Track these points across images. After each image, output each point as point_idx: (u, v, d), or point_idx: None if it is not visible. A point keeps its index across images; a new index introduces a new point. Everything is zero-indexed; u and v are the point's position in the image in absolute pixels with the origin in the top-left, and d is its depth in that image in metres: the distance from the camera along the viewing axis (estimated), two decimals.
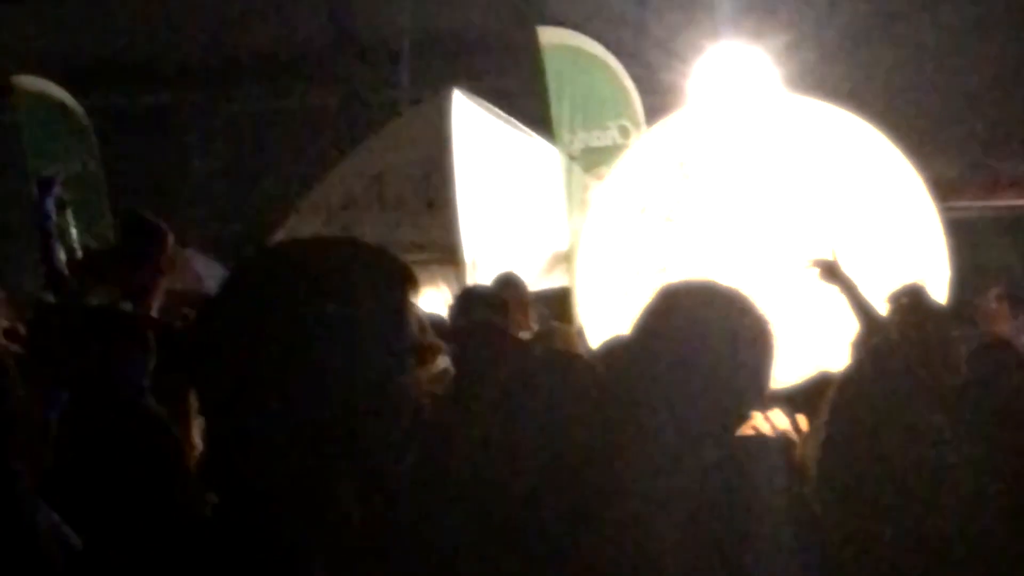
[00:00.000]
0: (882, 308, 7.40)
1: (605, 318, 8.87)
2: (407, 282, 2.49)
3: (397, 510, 3.14)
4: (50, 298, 7.91)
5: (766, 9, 18.02)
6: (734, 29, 14.79)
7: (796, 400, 7.34)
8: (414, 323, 2.52)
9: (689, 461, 3.37)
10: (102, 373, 6.56)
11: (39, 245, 7.99)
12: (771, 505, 3.62)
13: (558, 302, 10.40)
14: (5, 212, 17.28)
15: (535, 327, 9.10)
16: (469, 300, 8.07)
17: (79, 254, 8.78)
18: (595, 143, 10.71)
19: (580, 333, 9.06)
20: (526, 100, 12.86)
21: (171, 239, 7.88)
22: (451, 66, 17.83)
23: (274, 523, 2.40)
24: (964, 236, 10.09)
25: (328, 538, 2.44)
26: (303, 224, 12.15)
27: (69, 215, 9.01)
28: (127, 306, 7.29)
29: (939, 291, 8.49)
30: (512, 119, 12.43)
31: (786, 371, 6.45)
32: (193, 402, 5.99)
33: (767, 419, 7.15)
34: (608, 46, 11.21)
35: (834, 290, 7.88)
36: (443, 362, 7.14)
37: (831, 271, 7.90)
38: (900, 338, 6.86)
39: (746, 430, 4.01)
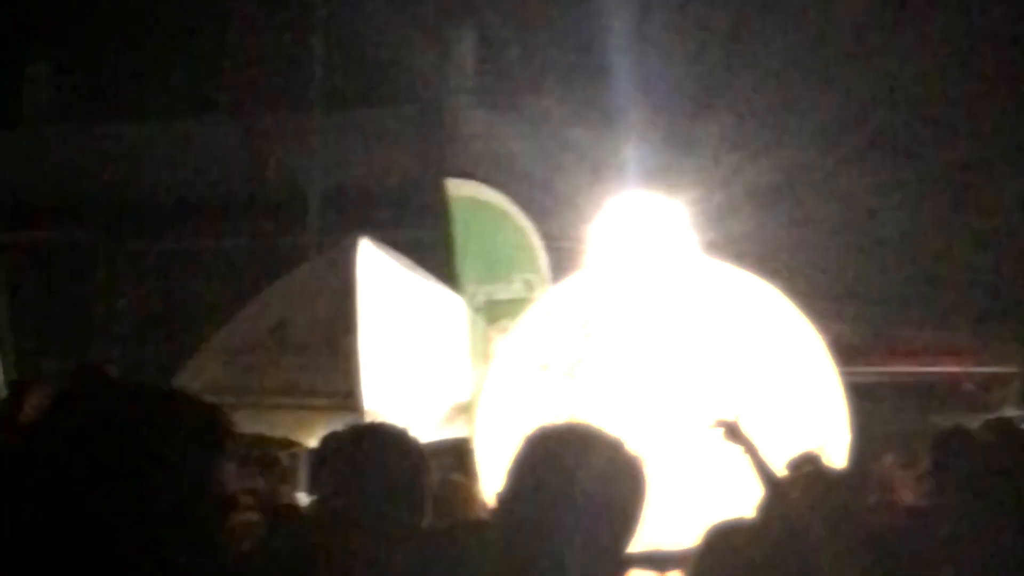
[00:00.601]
0: (782, 473, 7.39)
1: (504, 471, 8.77)
2: (218, 435, 2.58)
3: None
4: None
5: (674, 168, 18.23)
6: (641, 185, 14.92)
7: (695, 562, 7.27)
8: (223, 474, 2.58)
9: None
10: None
11: None
12: None
13: (458, 453, 10.32)
14: None
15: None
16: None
17: None
18: (499, 296, 10.73)
19: (478, 485, 8.99)
20: (432, 251, 12.88)
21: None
22: (358, 215, 17.87)
23: None
24: (864, 401, 10.14)
25: None
26: (207, 365, 12.06)
27: None
28: None
29: (839, 455, 8.51)
30: (418, 269, 12.43)
31: (684, 532, 6.38)
32: None
33: None
34: (515, 199, 11.28)
35: (736, 451, 7.86)
36: (252, 515, 7.06)
37: (733, 432, 7.89)
38: (804, 504, 6.86)
39: None
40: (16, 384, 8.58)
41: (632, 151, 19.45)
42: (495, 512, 5.41)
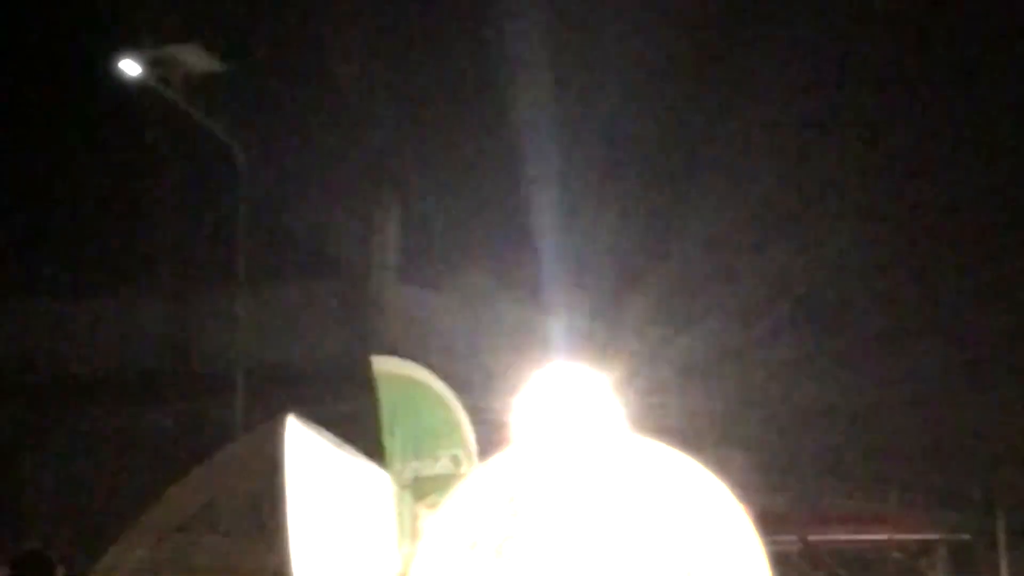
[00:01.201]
0: None
1: None
2: None
3: None
4: None
5: (601, 343, 18.37)
6: (567, 357, 15.00)
7: None
8: None
9: None
10: None
11: None
12: None
13: None
14: None
15: None
16: None
17: None
18: (426, 472, 10.75)
19: None
20: (359, 428, 12.88)
21: (60, 571, 7.92)
22: (285, 391, 17.87)
23: None
24: (787, 569, 10.21)
25: None
26: (135, 544, 11.94)
27: None
28: None
29: None
30: (345, 446, 12.42)
31: None
32: None
33: None
34: (440, 374, 11.34)
35: None
36: None
37: None
38: None
39: None
40: None
41: (557, 323, 19.62)
42: None
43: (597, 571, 9.20)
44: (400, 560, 10.35)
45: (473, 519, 9.62)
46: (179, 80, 21.94)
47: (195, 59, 21.83)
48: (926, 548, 21.51)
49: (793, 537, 18.43)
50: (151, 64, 21.76)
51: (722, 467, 9.64)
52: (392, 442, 10.82)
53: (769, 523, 10.04)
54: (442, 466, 10.83)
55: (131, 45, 22.87)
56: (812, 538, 20.21)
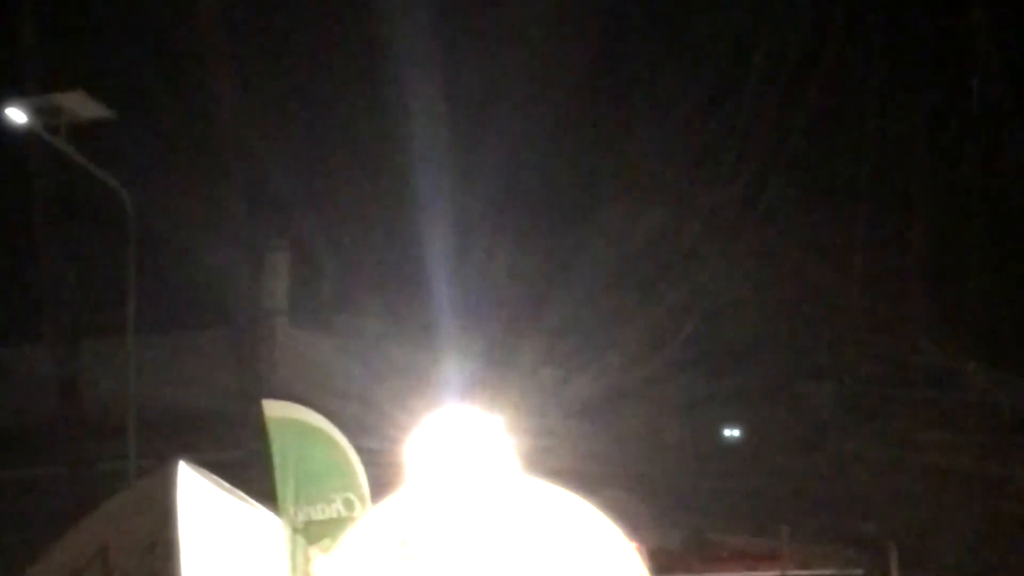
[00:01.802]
0: None
1: None
2: None
3: None
4: None
5: (492, 385, 18.43)
6: (459, 400, 15.05)
7: None
8: None
9: None
10: None
11: None
12: None
13: None
14: None
15: None
16: None
17: None
18: (319, 516, 10.76)
19: None
20: (252, 472, 12.86)
21: None
22: (177, 438, 17.77)
23: None
24: None
25: None
26: None
27: None
28: None
29: None
30: (238, 491, 12.38)
31: None
32: None
33: None
34: (333, 417, 11.36)
35: None
36: None
37: None
38: None
39: None
40: None
41: (449, 366, 19.67)
42: None
43: None
44: None
45: (366, 563, 9.67)
46: (66, 127, 21.80)
47: (82, 106, 21.71)
48: None
49: (687, 575, 18.56)
50: (37, 112, 21.61)
51: (613, 508, 9.76)
52: (284, 486, 10.82)
53: (661, 562, 10.17)
54: (335, 509, 10.85)
55: (17, 93, 22.71)
56: (706, 575, 20.35)
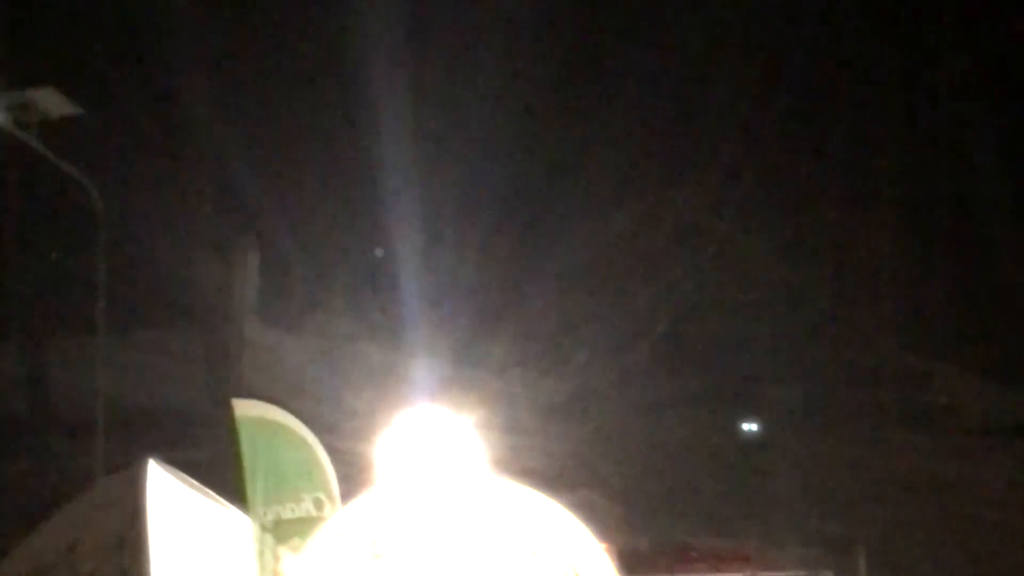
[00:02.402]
0: None
1: None
2: None
3: None
4: None
5: (464, 386, 18.43)
6: (429, 400, 15.07)
7: None
8: None
9: None
10: None
11: None
12: None
13: None
14: None
15: None
16: None
17: None
18: (288, 515, 10.75)
19: None
20: (221, 471, 12.83)
21: None
22: (146, 437, 17.73)
23: None
24: None
25: None
26: None
27: None
28: None
29: None
30: (207, 490, 12.35)
31: None
32: None
33: None
34: (302, 417, 11.35)
35: None
36: None
37: None
38: None
39: None
40: None
41: (419, 366, 19.66)
42: None
43: None
44: None
45: (335, 562, 9.65)
46: (36, 124, 21.72)
47: (52, 103, 21.64)
48: None
49: None
50: (8, 108, 21.52)
51: (582, 508, 9.77)
52: (253, 485, 10.80)
53: (630, 563, 10.18)
54: (304, 509, 10.84)
55: None
56: None
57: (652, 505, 21.70)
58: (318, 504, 10.89)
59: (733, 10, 26.48)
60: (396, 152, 23.76)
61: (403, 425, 13.37)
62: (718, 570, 20.89)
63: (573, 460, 20.21)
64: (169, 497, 11.85)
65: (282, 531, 10.68)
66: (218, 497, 12.38)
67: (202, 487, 12.41)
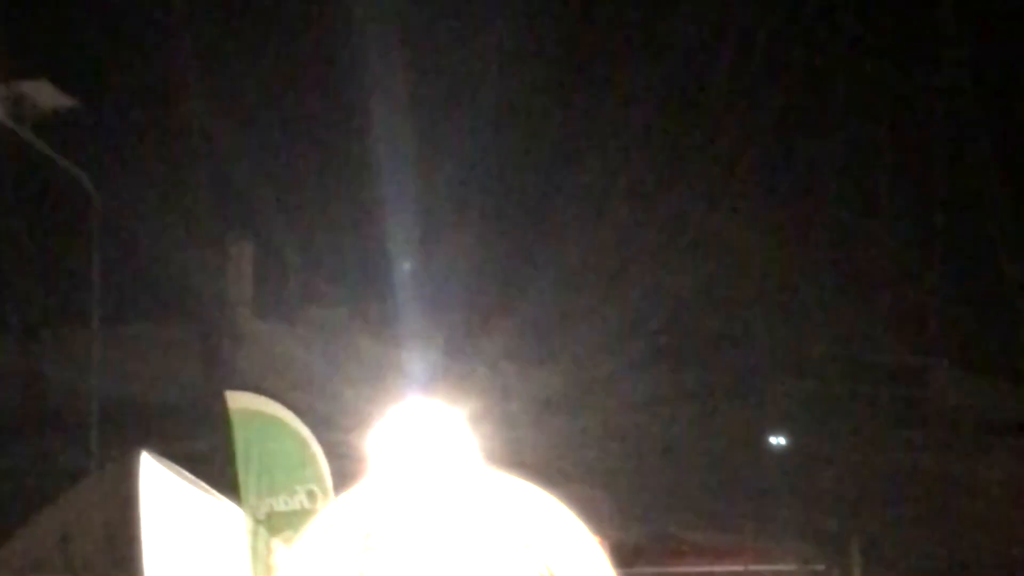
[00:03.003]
0: None
1: None
2: None
3: None
4: None
5: (457, 378, 18.44)
6: (422, 393, 15.07)
7: None
8: None
9: None
10: None
11: None
12: None
13: None
14: None
15: None
16: None
17: None
18: (281, 507, 10.75)
19: None
20: (214, 464, 12.83)
21: None
22: (140, 430, 17.72)
23: None
24: None
25: None
26: None
27: None
28: None
29: None
30: (200, 482, 12.35)
31: None
32: None
33: None
34: (295, 409, 11.34)
35: None
36: None
37: None
38: None
39: None
40: None
41: (413, 358, 19.65)
42: None
43: None
44: None
45: (329, 555, 9.65)
46: (30, 117, 21.69)
47: (46, 96, 21.62)
48: None
49: (646, 569, 18.57)
50: (1, 101, 21.50)
51: (577, 501, 9.77)
52: (247, 477, 10.80)
53: (624, 557, 10.17)
54: (298, 501, 10.84)
55: None
56: (670, 570, 20.38)
57: (647, 499, 21.70)
58: (311, 496, 10.88)
59: (733, 3, 26.49)
60: (391, 144, 23.75)
61: (396, 418, 13.35)
62: (711, 564, 20.92)
63: (567, 453, 20.20)
64: (162, 490, 11.84)
65: (275, 523, 10.68)
66: (211, 489, 12.38)
67: (195, 480, 12.41)
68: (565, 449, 20.41)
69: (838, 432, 26.09)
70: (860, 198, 28.38)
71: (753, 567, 21.39)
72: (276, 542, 10.52)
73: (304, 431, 11.23)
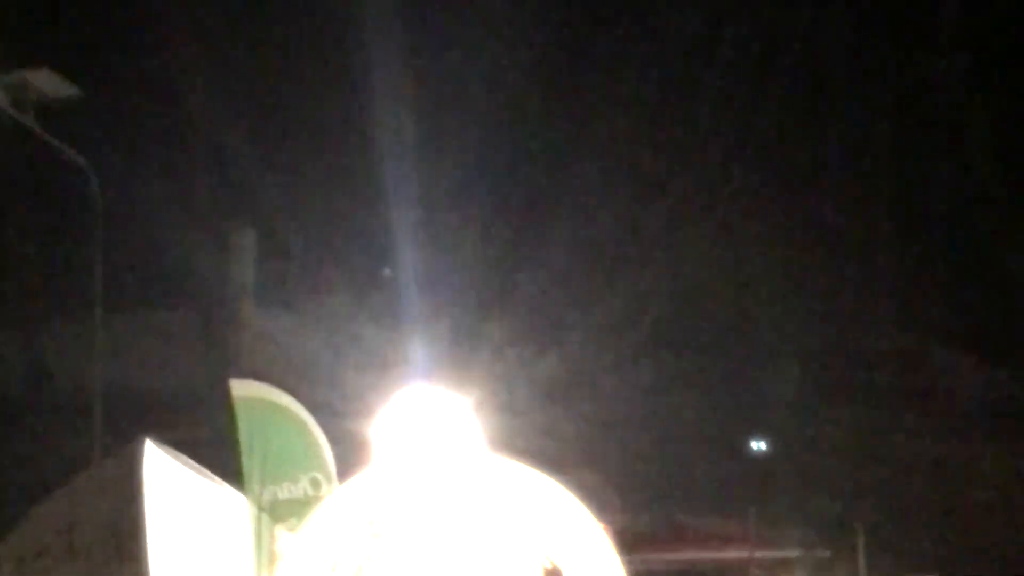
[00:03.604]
0: None
1: None
2: None
3: None
4: None
5: (462, 366, 18.42)
6: (426, 379, 15.03)
7: None
8: None
9: None
10: None
11: None
12: None
13: None
14: None
15: None
16: None
17: None
18: (285, 495, 10.74)
19: None
20: (218, 451, 12.82)
21: None
22: (143, 416, 17.72)
23: None
24: None
25: None
26: None
27: None
28: None
29: None
30: (204, 469, 12.34)
31: None
32: None
33: None
34: (299, 396, 11.33)
35: None
36: None
37: None
38: None
39: None
40: None
41: (416, 345, 19.64)
42: None
43: None
44: None
45: (333, 541, 9.65)
46: (33, 105, 21.67)
47: (49, 84, 21.59)
48: (786, 565, 21.79)
49: (651, 555, 18.59)
50: (4, 89, 21.48)
51: (581, 488, 9.75)
52: (250, 465, 10.79)
53: (629, 543, 10.16)
54: (301, 489, 10.83)
55: None
56: (674, 555, 20.41)
57: (651, 485, 21.72)
58: (315, 484, 10.87)
59: (733, 3, 26.49)
60: (393, 135, 23.74)
61: (400, 405, 13.34)
62: (716, 549, 20.95)
63: (572, 440, 20.21)
64: (166, 478, 11.83)
65: (279, 511, 10.67)
66: (215, 477, 12.37)
67: (199, 467, 12.40)
68: (569, 436, 20.41)
69: (841, 418, 26.09)
70: (860, 184, 28.38)
71: (758, 553, 21.41)
72: (280, 529, 10.51)
73: (307, 418, 11.22)
